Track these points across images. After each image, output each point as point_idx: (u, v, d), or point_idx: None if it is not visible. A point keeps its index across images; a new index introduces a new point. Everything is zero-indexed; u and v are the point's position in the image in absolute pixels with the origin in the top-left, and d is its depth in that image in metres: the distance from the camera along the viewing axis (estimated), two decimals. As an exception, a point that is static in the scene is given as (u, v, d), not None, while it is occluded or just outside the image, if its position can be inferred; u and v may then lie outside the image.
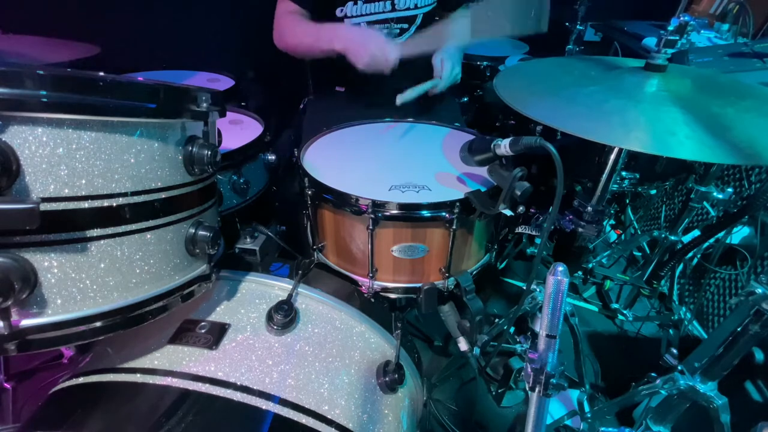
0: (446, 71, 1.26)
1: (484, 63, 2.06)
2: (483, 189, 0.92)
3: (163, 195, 0.59)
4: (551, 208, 0.77)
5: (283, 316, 0.74)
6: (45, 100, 0.45)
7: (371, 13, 1.29)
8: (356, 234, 0.95)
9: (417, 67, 1.39)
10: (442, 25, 1.33)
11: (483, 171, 0.92)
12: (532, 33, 1.06)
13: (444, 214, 0.87)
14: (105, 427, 0.60)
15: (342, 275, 1.01)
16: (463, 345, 1.18)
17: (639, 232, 2.01)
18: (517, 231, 1.17)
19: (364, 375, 0.78)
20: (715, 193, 1.33)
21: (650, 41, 1.73)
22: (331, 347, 0.78)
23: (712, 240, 1.42)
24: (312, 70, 1.73)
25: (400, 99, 1.16)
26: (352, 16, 1.28)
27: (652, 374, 0.98)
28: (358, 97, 1.45)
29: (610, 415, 1.14)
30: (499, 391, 1.41)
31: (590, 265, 1.55)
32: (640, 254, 1.99)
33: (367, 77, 1.43)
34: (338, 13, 1.28)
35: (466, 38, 1.47)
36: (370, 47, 1.10)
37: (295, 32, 1.29)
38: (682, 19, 0.78)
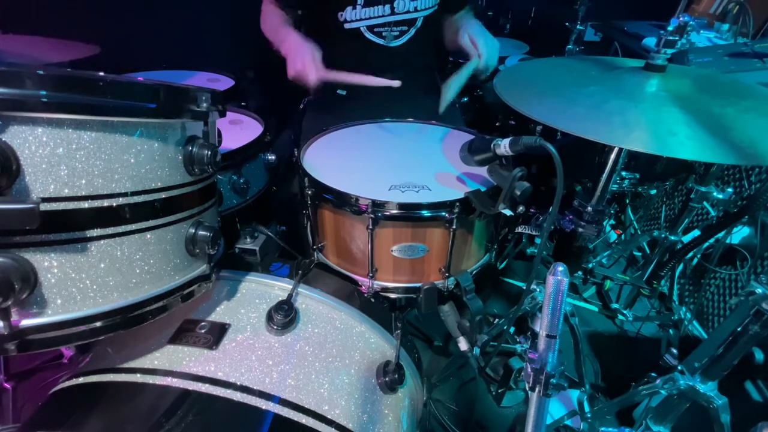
0: (481, 43, 1.18)
1: (484, 63, 2.05)
2: (483, 189, 0.92)
3: (163, 195, 0.59)
4: (551, 208, 0.77)
5: (283, 316, 0.74)
6: (45, 100, 0.45)
7: (370, 18, 1.29)
8: (356, 234, 0.95)
9: (422, 68, 1.39)
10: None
11: (483, 171, 0.92)
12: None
13: (444, 213, 0.87)
14: (105, 427, 0.60)
15: (342, 275, 1.01)
16: (463, 345, 1.18)
17: (639, 232, 2.01)
18: (517, 231, 1.17)
19: (364, 375, 0.78)
20: (715, 193, 1.33)
21: (650, 41, 1.73)
22: (331, 347, 0.78)
23: (712, 240, 1.42)
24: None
25: (446, 100, 1.17)
26: (352, 21, 1.28)
27: (652, 374, 0.98)
28: (358, 97, 1.45)
29: (610, 415, 1.14)
30: (499, 391, 1.41)
31: (590, 265, 1.56)
32: (640, 254, 1.99)
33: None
34: (339, 17, 1.28)
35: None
36: (296, 63, 1.13)
37: (265, 26, 1.34)
38: (681, 19, 0.78)
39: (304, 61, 1.13)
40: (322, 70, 1.14)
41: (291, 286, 0.81)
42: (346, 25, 1.29)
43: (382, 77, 1.12)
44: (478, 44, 1.18)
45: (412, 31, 1.36)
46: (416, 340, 1.63)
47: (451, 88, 1.16)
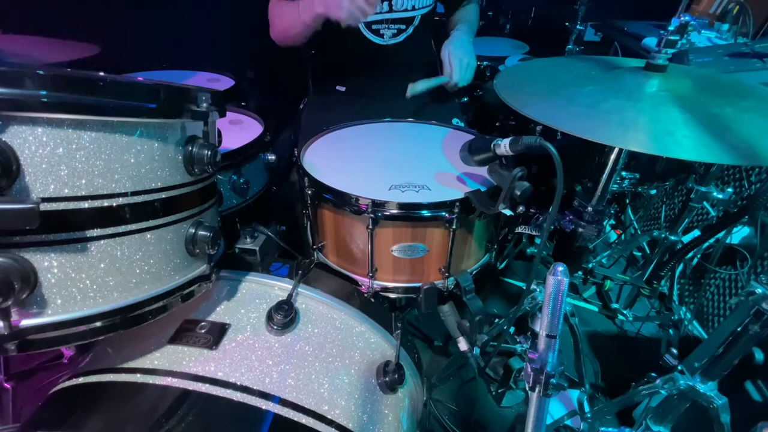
0: (456, 65, 1.24)
1: (484, 63, 2.06)
2: (483, 189, 0.92)
3: (163, 195, 0.59)
4: (551, 208, 0.77)
5: (283, 316, 0.74)
6: (45, 100, 0.45)
7: None
8: (356, 234, 0.95)
9: (419, 67, 1.38)
10: None
11: (483, 171, 0.92)
12: None
13: (444, 213, 0.87)
14: (105, 427, 0.60)
15: (342, 275, 1.01)
16: (463, 345, 1.18)
17: (639, 232, 2.01)
18: (517, 231, 1.17)
19: (364, 375, 0.78)
20: (715, 193, 1.33)
21: (650, 41, 1.73)
22: (331, 347, 0.78)
23: (712, 240, 1.42)
24: (312, 70, 1.73)
25: (411, 90, 1.17)
26: None
27: (652, 374, 0.98)
28: (358, 96, 1.45)
29: (610, 415, 1.14)
30: (499, 391, 1.41)
31: (590, 265, 1.55)
32: (640, 254, 1.99)
33: (367, 75, 1.43)
34: None
35: (475, 24, 1.47)
36: None
37: (281, 15, 1.26)
38: (682, 18, 0.78)
39: None
40: None
41: (291, 286, 0.81)
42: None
43: (380, 76, 1.11)
44: (453, 66, 1.24)
45: (410, 29, 1.36)
46: (416, 340, 1.63)
47: (418, 85, 1.19)
